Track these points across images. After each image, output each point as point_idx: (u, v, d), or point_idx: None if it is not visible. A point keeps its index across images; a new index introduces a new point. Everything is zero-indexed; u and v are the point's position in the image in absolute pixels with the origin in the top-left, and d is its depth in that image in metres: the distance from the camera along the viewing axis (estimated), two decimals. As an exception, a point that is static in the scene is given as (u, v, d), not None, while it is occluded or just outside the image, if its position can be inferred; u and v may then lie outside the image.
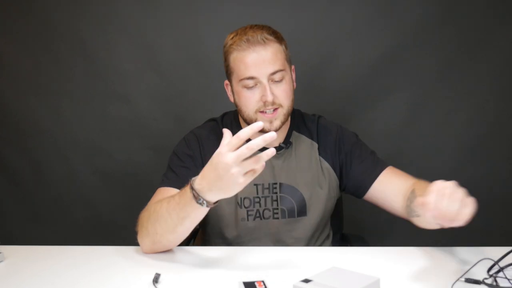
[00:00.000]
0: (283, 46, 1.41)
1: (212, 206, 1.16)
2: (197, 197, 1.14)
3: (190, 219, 1.21)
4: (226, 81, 1.48)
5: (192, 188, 1.15)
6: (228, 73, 1.45)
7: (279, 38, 1.41)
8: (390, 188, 1.40)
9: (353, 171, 1.47)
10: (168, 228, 1.24)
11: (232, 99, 1.47)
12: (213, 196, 1.14)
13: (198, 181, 1.14)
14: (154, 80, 2.07)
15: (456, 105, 2.05)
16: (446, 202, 1.04)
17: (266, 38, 1.37)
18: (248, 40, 1.36)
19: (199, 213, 1.19)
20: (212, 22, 2.04)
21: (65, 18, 2.05)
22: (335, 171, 1.49)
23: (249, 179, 1.09)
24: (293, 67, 1.48)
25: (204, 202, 1.15)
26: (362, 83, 2.04)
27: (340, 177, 1.50)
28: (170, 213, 1.22)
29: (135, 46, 2.05)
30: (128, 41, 2.05)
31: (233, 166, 1.07)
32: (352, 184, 1.48)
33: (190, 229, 1.25)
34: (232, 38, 1.40)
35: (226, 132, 1.11)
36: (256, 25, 1.41)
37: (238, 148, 1.07)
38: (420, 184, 1.29)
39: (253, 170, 1.09)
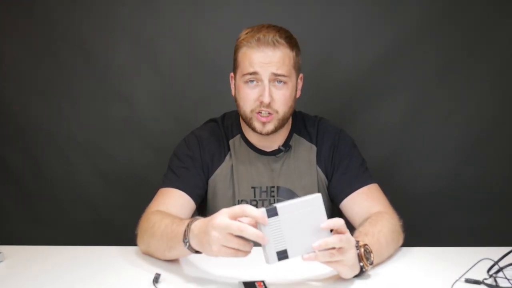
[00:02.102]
0: (294, 53, 1.40)
1: (193, 252, 1.13)
2: (185, 236, 1.12)
3: (177, 252, 1.20)
4: (231, 74, 1.48)
5: (188, 225, 1.12)
6: (234, 66, 1.45)
7: (291, 44, 1.40)
8: (356, 209, 1.40)
9: (334, 179, 1.47)
10: (159, 250, 1.25)
11: (233, 93, 1.48)
12: (195, 244, 1.10)
13: (196, 223, 1.10)
14: (154, 80, 2.07)
15: (456, 105, 2.05)
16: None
17: (277, 41, 1.36)
18: (259, 39, 1.36)
19: (185, 251, 1.15)
20: (212, 22, 2.03)
21: (65, 18, 2.05)
22: (326, 176, 1.49)
23: (225, 253, 1.03)
24: (301, 75, 1.47)
25: (188, 243, 1.11)
26: (361, 83, 2.04)
27: (328, 180, 1.50)
28: (163, 238, 1.21)
29: (135, 46, 2.05)
30: (129, 41, 2.05)
31: (217, 230, 1.02)
32: (331, 191, 1.49)
33: (176, 257, 1.25)
34: (246, 33, 1.40)
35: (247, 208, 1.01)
36: (273, 26, 1.41)
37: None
38: (371, 222, 1.28)
39: (236, 250, 1.03)
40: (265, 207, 1.01)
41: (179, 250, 1.17)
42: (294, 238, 1.01)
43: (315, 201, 1.04)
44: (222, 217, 1.03)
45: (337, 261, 1.06)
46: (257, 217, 1.00)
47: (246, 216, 1.01)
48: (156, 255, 1.27)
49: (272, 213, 1.00)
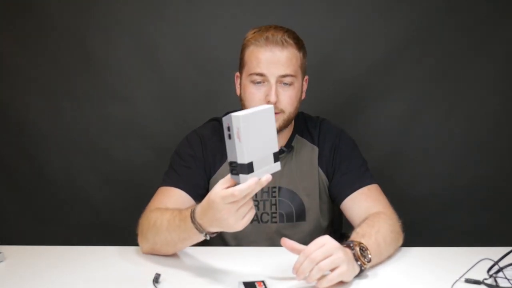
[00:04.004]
0: (301, 54, 1.41)
1: (214, 235, 1.15)
2: (199, 230, 1.13)
3: (191, 240, 1.21)
4: (237, 73, 1.48)
5: (193, 221, 1.13)
6: (240, 65, 1.44)
7: (299, 44, 1.40)
8: (356, 210, 1.40)
9: (335, 180, 1.47)
10: (168, 244, 1.25)
11: (238, 92, 1.47)
12: (214, 230, 1.12)
13: (199, 215, 1.12)
14: (154, 80, 2.07)
15: (456, 105, 2.05)
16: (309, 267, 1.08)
17: (286, 41, 1.36)
18: (267, 38, 1.36)
19: (201, 238, 1.17)
20: (212, 22, 2.03)
21: (65, 17, 2.05)
22: (327, 176, 1.49)
23: (242, 220, 1.05)
24: (306, 77, 1.47)
25: (207, 234, 1.14)
26: (362, 83, 2.04)
27: (329, 181, 1.50)
28: (171, 233, 1.22)
29: (135, 46, 2.05)
30: (129, 41, 2.05)
31: (222, 205, 1.03)
32: (331, 191, 1.49)
33: (190, 245, 1.26)
34: (254, 33, 1.41)
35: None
36: (280, 27, 1.41)
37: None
38: (369, 223, 1.27)
39: (250, 211, 1.05)
40: (232, 172, 1.02)
41: (195, 239, 1.18)
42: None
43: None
44: (217, 192, 1.04)
45: (334, 269, 1.07)
46: (251, 188, 1.01)
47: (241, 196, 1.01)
48: (164, 250, 1.28)
49: (249, 169, 1.01)
